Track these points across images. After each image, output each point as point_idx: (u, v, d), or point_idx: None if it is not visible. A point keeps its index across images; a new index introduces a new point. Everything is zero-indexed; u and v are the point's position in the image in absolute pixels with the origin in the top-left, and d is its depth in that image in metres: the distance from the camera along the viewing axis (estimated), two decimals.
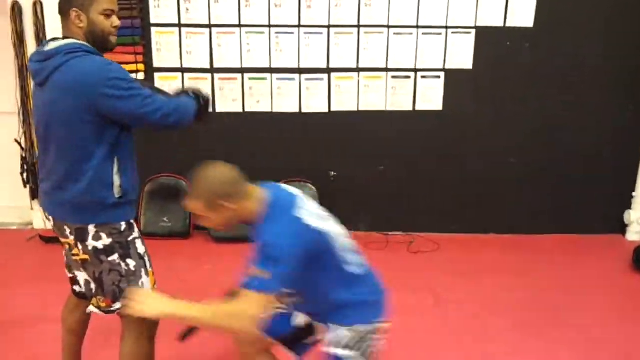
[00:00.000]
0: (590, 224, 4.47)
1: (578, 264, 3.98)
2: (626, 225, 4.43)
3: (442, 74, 4.21)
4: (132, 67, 4.13)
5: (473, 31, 4.14)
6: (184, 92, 2.20)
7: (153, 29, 4.14)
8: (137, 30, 4.09)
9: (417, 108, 4.27)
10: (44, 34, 4.04)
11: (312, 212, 1.87)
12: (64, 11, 1.95)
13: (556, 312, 3.26)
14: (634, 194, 4.39)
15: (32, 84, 4.08)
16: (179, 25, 4.14)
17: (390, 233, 4.42)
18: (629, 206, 4.42)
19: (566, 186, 4.42)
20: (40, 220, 4.33)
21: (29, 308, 3.19)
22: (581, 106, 4.30)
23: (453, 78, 4.21)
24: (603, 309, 3.33)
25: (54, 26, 3.97)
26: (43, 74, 1.91)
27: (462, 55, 4.17)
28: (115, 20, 2.01)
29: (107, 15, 1.98)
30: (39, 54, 1.95)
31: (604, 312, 3.29)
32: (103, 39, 1.99)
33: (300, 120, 4.31)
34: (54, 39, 1.97)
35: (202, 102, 2.19)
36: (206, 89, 2.35)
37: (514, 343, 2.94)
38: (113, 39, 2.03)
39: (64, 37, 1.97)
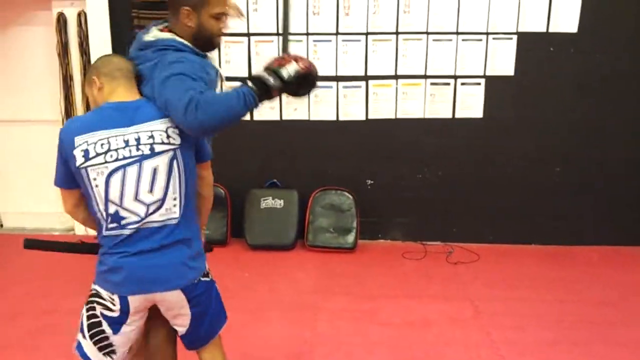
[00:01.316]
0: (634, 235, 4.31)
1: (625, 276, 3.83)
2: None
3: (482, 81, 4.13)
4: None
5: (515, 37, 4.05)
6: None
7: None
8: None
9: (457, 116, 4.20)
10: (87, 44, 4.14)
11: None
12: (174, 6, 1.89)
13: (603, 328, 3.13)
14: None
15: (76, 92, 4.24)
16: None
17: (428, 243, 4.35)
18: None
19: (612, 196, 4.27)
20: (82, 226, 4.41)
21: (70, 314, 3.23)
22: (627, 114, 4.15)
23: (494, 85, 4.13)
24: None
25: (97, 36, 4.09)
26: (137, 62, 1.89)
27: (504, 61, 4.09)
28: (225, 24, 1.97)
29: (218, 18, 1.92)
30: (138, 42, 1.92)
31: None
32: (209, 41, 1.95)
33: (337, 128, 4.28)
34: (155, 25, 1.94)
35: (263, 86, 1.78)
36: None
37: (555, 358, 2.84)
38: (218, 40, 1.99)
39: (167, 28, 1.92)
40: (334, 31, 4.12)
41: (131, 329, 1.85)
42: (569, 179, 4.26)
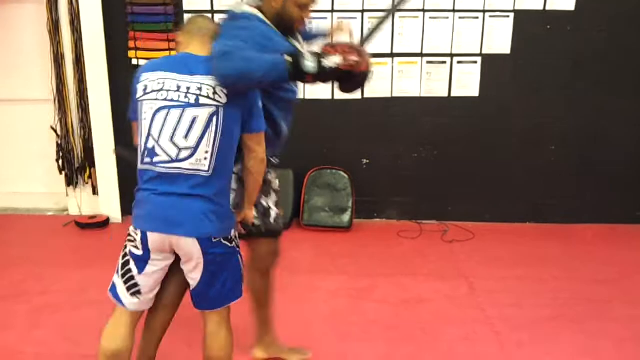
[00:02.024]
0: (631, 213, 4.34)
1: (619, 254, 3.85)
2: None
3: (479, 59, 4.11)
4: (165, 54, 4.13)
5: (512, 15, 4.02)
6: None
7: (187, 16, 4.13)
8: (170, 17, 4.08)
9: (453, 94, 4.18)
10: (79, 22, 4.05)
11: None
12: None
13: (599, 305, 3.15)
14: None
15: (67, 71, 4.18)
16: (212, 12, 4.12)
17: (424, 221, 4.36)
18: None
19: (606, 175, 4.28)
20: (76, 207, 4.39)
21: (68, 293, 3.23)
22: (624, 93, 4.15)
23: (490, 63, 4.11)
24: None
25: (89, 14, 4.02)
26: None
27: (500, 39, 4.06)
28: (308, 14, 2.12)
29: (302, 8, 2.09)
30: (228, 13, 2.12)
31: None
32: (288, 25, 2.12)
33: (333, 107, 4.25)
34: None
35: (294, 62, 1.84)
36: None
37: (551, 334, 2.86)
38: (298, 26, 2.16)
39: (256, 5, 2.11)
40: (330, 8, 4.08)
41: (153, 269, 1.95)
42: (564, 158, 4.26)
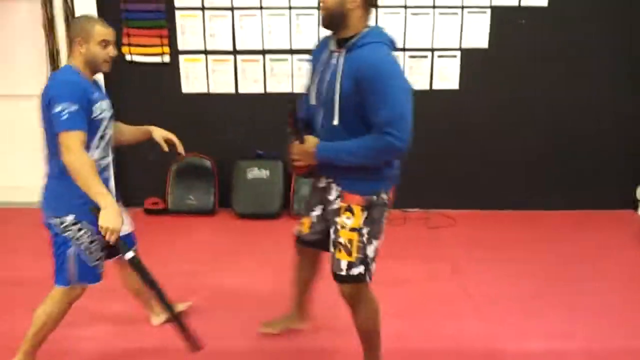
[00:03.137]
0: (603, 199, 4.58)
1: (587, 236, 4.11)
2: (638, 201, 4.52)
3: (458, 53, 4.31)
4: (158, 49, 4.28)
5: (488, 10, 4.22)
6: None
7: (177, 12, 4.27)
8: (162, 14, 4.23)
9: (434, 87, 4.38)
10: (74, 19, 4.16)
11: None
12: None
13: (573, 282, 3.39)
14: None
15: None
16: (202, 9, 4.26)
17: (408, 210, 4.55)
18: None
19: (579, 163, 4.52)
20: None
21: None
22: (593, 84, 4.38)
23: (469, 57, 4.32)
24: (617, 278, 3.45)
25: (83, 12, 4.12)
26: None
27: (478, 34, 4.27)
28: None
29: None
30: None
31: (618, 281, 3.41)
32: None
33: None
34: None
35: None
36: None
37: (532, 309, 3.07)
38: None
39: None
40: (316, 5, 4.24)
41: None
42: (540, 148, 4.49)
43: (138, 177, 4.49)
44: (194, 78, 4.39)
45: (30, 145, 4.50)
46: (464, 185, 4.59)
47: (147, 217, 4.47)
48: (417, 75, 4.36)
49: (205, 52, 4.34)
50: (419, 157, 4.52)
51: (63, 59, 4.29)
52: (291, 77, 4.39)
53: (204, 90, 4.42)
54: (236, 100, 4.42)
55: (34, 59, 4.37)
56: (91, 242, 2.27)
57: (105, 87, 4.22)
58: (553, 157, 4.51)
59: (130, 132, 2.61)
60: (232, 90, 4.42)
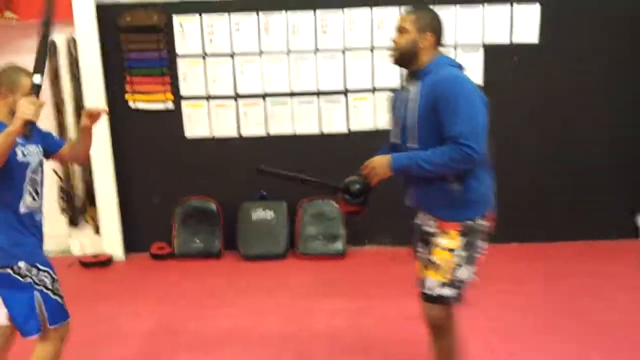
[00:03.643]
0: (605, 229, 4.61)
1: (594, 268, 4.11)
2: (639, 229, 4.58)
3: None
4: (161, 96, 4.37)
5: (481, 49, 4.35)
6: None
7: (179, 60, 4.38)
8: (165, 61, 4.33)
9: None
10: (78, 69, 4.28)
11: None
12: None
13: (579, 314, 3.39)
14: None
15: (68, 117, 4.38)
16: (204, 56, 4.38)
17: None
18: None
19: (580, 195, 4.57)
20: (78, 247, 4.53)
21: (83, 327, 3.35)
22: (591, 115, 4.48)
23: None
24: (627, 309, 3.46)
25: (88, 61, 4.23)
26: None
27: (473, 71, 4.36)
28: None
29: None
30: None
31: (628, 313, 3.41)
32: None
33: (320, 141, 4.51)
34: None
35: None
36: None
37: (538, 342, 3.07)
38: None
39: None
40: (313, 48, 4.37)
41: None
42: (538, 180, 4.56)
43: (143, 222, 4.53)
44: (197, 122, 4.47)
45: None
46: None
47: (153, 262, 4.48)
48: None
49: (207, 98, 4.44)
50: None
51: (69, 109, 4.37)
52: (292, 119, 4.47)
53: (207, 135, 4.49)
54: (239, 143, 4.50)
55: None
56: (53, 280, 2.25)
57: (110, 133, 4.37)
58: (554, 188, 4.57)
59: (76, 139, 2.56)
60: (235, 134, 4.50)
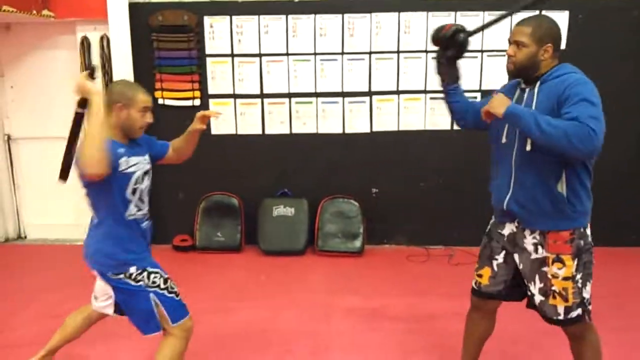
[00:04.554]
0: (623, 237, 4.63)
1: (610, 275, 4.06)
2: None
3: (478, 95, 4.44)
4: (189, 94, 4.49)
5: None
6: None
7: (208, 59, 4.50)
8: (194, 60, 4.45)
9: (455, 127, 4.49)
10: (110, 65, 4.42)
11: None
12: None
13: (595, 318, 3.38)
14: None
15: None
16: (232, 55, 4.48)
17: (431, 247, 4.62)
18: None
19: (597, 202, 4.51)
20: None
21: (104, 322, 3.47)
22: (615, 120, 4.41)
23: (489, 98, 4.41)
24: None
25: (119, 58, 4.37)
26: None
27: (497, 76, 4.40)
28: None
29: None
30: None
31: None
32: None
33: (343, 141, 4.58)
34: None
35: None
36: None
37: (551, 345, 3.09)
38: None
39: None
40: (340, 51, 4.44)
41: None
42: None
43: (167, 215, 4.65)
44: (223, 120, 4.58)
45: (65, 185, 4.72)
46: (486, 223, 4.62)
47: (175, 253, 4.60)
48: (438, 116, 4.51)
49: (234, 96, 4.54)
50: (442, 194, 4.65)
51: None
52: (316, 119, 4.55)
53: (232, 132, 4.60)
54: (263, 141, 4.60)
55: (72, 103, 4.56)
56: (165, 280, 2.31)
57: None
58: None
59: (182, 140, 2.58)
60: (259, 132, 4.59)
